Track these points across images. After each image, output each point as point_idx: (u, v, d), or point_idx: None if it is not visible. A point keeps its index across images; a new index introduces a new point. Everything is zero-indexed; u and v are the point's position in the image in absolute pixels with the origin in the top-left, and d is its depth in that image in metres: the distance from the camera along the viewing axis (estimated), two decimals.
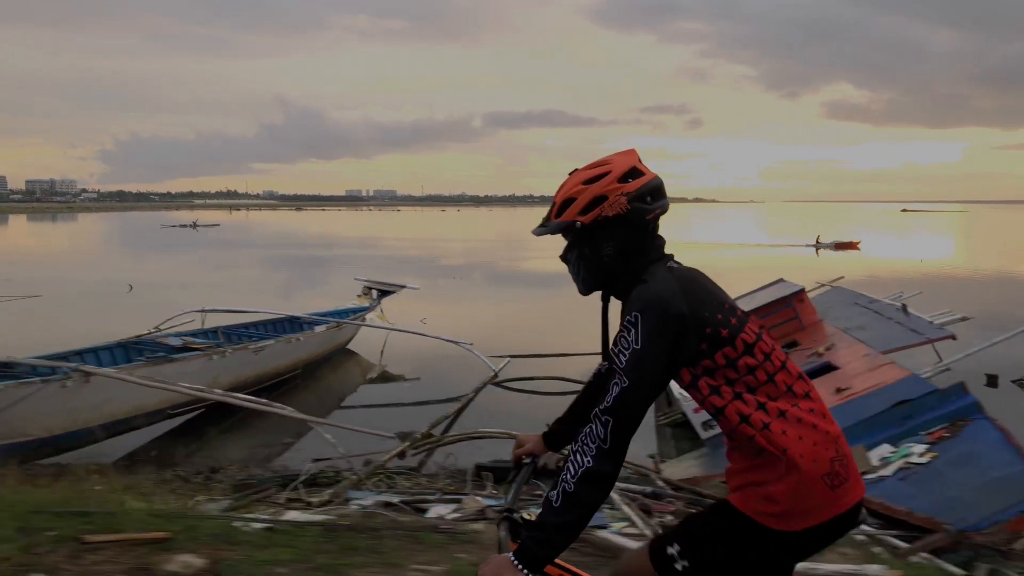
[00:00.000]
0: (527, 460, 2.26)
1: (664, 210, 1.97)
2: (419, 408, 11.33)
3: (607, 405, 1.78)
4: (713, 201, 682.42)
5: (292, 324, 14.07)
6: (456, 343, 13.58)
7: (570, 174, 2.00)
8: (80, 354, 9.94)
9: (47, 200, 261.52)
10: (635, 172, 1.94)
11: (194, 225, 77.99)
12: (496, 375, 12.77)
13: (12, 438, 7.51)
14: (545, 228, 2.00)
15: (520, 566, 1.76)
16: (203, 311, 14.31)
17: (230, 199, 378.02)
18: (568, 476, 1.78)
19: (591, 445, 1.78)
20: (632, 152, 1.99)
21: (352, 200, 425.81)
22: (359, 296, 16.60)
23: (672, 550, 1.93)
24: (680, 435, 9.66)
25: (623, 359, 1.79)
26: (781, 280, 13.58)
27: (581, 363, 12.44)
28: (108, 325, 18.72)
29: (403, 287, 16.61)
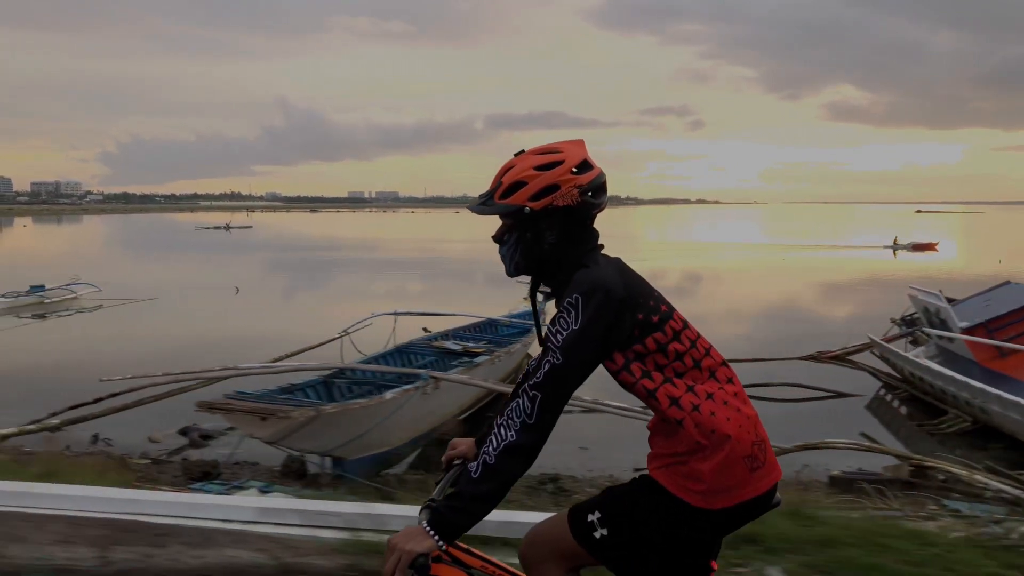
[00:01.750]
0: (457, 462, 2.21)
1: (605, 206, 1.99)
2: None
3: (536, 380, 1.80)
4: (716, 202, 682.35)
5: (491, 327, 13.92)
6: None
7: (516, 155, 1.98)
8: (376, 360, 9.82)
9: (53, 202, 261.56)
10: (587, 165, 1.95)
11: (227, 227, 77.86)
12: None
13: (379, 448, 7.36)
14: (489, 208, 1.97)
15: (432, 532, 1.74)
16: (395, 314, 14.16)
17: (235, 201, 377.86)
18: (490, 448, 1.79)
19: (516, 419, 1.79)
20: (582, 143, 2.00)
21: (355, 202, 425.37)
22: (525, 299, 16.47)
23: (592, 517, 1.94)
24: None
25: (559, 338, 1.81)
26: (1008, 283, 12.98)
27: None
28: (267, 328, 18.70)
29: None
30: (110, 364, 12.07)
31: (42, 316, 21.55)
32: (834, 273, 33.16)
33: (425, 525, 1.76)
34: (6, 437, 8.14)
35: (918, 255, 42.42)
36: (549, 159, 1.94)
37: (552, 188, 1.92)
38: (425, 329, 14.82)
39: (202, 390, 10.46)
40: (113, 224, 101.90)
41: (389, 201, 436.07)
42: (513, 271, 2.03)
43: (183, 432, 9.84)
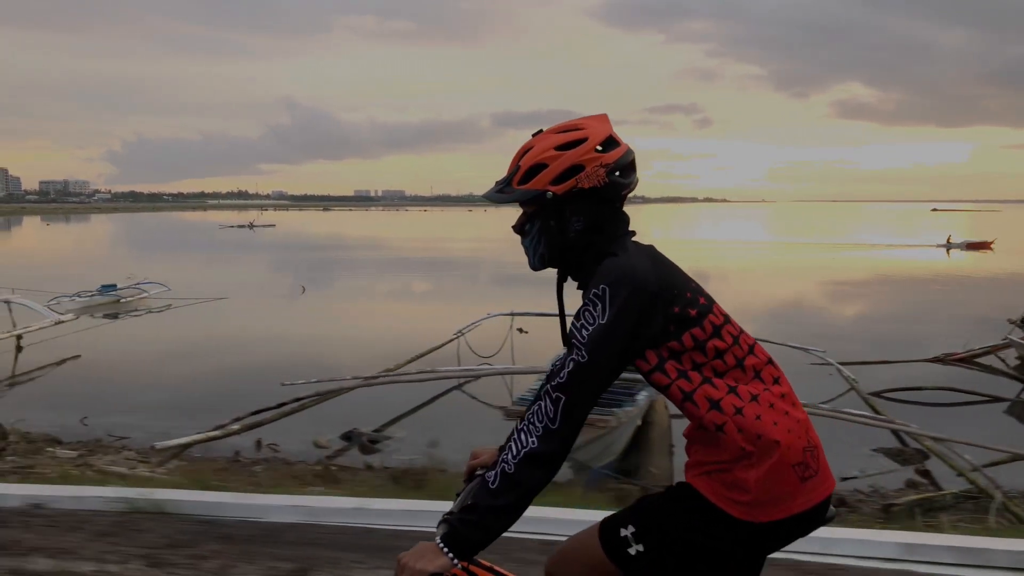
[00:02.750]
0: (480, 472, 1.98)
1: (636, 185, 1.80)
2: None
3: (560, 381, 1.62)
4: (723, 201, 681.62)
5: None
6: (806, 350, 13.01)
7: (535, 135, 1.79)
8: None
9: (63, 201, 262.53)
10: (612, 141, 1.76)
11: (251, 226, 77.80)
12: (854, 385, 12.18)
13: (610, 458, 7.08)
14: (507, 195, 1.76)
15: (446, 549, 1.58)
16: (512, 315, 13.86)
17: (242, 199, 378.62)
18: (509, 456, 1.61)
19: (538, 424, 1.62)
20: (606, 118, 1.81)
21: (361, 200, 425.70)
22: None
23: (626, 532, 1.74)
24: None
25: (584, 334, 1.62)
26: None
27: None
28: (366, 330, 18.40)
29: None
30: (264, 367, 11.81)
31: (114, 316, 21.27)
32: (901, 273, 32.74)
33: (438, 541, 1.59)
34: (190, 445, 7.80)
35: (973, 254, 41.87)
36: (571, 137, 1.74)
37: (576, 169, 1.72)
38: (521, 330, 14.50)
39: (339, 398, 10.18)
40: (131, 223, 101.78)
41: (395, 200, 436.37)
42: (538, 264, 1.83)
43: (346, 437, 9.52)
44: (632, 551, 1.72)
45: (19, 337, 15.77)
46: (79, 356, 16.05)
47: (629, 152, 1.78)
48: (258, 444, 9.15)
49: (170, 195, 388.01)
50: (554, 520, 3.74)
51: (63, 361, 15.74)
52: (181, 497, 4.39)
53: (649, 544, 1.72)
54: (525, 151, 1.77)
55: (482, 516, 1.59)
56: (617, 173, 1.74)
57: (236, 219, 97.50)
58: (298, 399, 8.83)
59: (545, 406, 1.62)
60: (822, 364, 12.87)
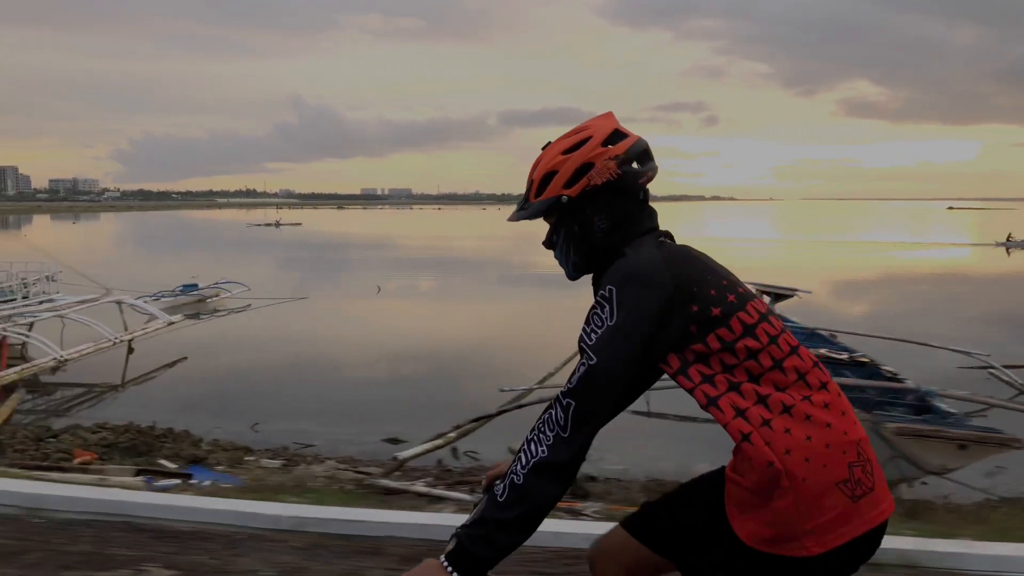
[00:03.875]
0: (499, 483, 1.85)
1: (655, 173, 1.72)
2: None
3: (570, 387, 1.54)
4: (731, 199, 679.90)
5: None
6: (968, 353, 12.64)
7: (544, 148, 1.75)
8: None
9: (73, 199, 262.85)
10: (618, 134, 1.70)
11: (277, 224, 77.83)
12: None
13: None
14: (525, 211, 1.73)
15: (450, 568, 1.47)
16: None
17: (250, 198, 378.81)
18: (518, 467, 1.51)
19: (548, 433, 1.53)
20: (611, 115, 1.77)
21: (368, 199, 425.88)
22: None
23: None
24: None
25: (593, 338, 1.55)
26: None
27: None
28: (472, 328, 18.04)
29: (795, 291, 15.68)
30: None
31: (195, 316, 20.98)
32: (976, 273, 32.26)
33: (443, 559, 1.47)
34: (426, 453, 7.50)
35: None
36: (576, 139, 1.70)
37: (585, 168, 1.67)
38: None
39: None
40: (152, 222, 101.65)
41: (403, 198, 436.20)
42: (573, 273, 1.77)
43: None
44: None
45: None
46: (185, 358, 15.80)
47: (640, 141, 1.71)
48: (454, 452, 8.87)
49: (179, 194, 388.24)
50: None
51: (174, 363, 15.49)
52: None
53: None
54: (536, 165, 1.74)
55: (489, 531, 1.48)
56: (630, 163, 1.68)
57: (262, 218, 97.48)
58: (520, 405, 8.51)
59: (556, 413, 1.53)
60: (975, 368, 12.51)
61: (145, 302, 18.09)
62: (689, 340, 1.57)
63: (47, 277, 19.32)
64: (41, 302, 16.36)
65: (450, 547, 1.50)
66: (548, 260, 1.78)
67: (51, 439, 8.31)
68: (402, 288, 27.84)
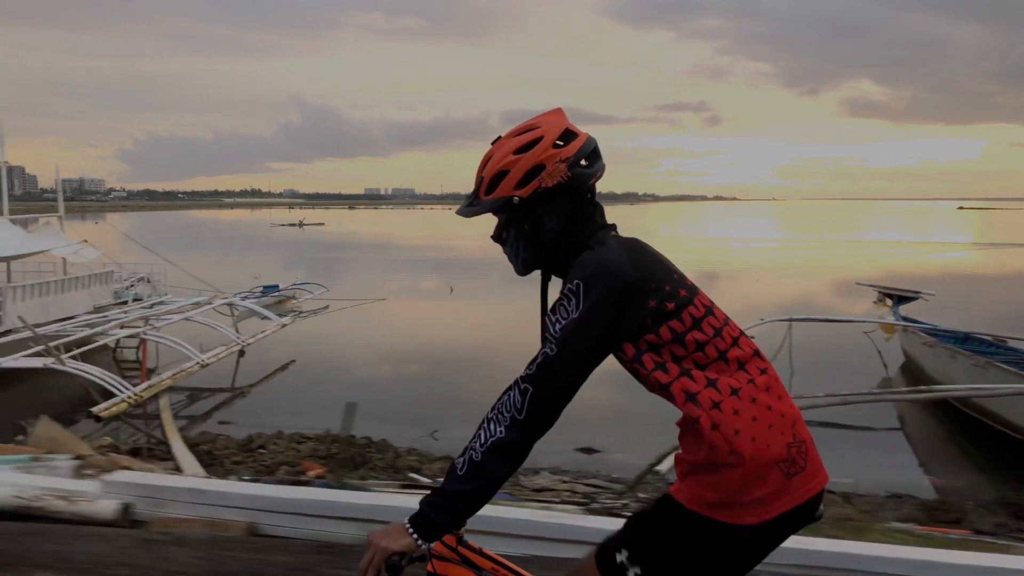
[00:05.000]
0: (459, 459, 1.98)
1: (603, 172, 1.80)
2: None
3: (528, 373, 1.64)
4: (733, 199, 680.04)
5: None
6: None
7: (493, 143, 1.80)
8: None
9: (80, 199, 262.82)
10: (569, 134, 1.76)
11: (301, 224, 77.78)
12: None
13: None
14: (475, 207, 1.78)
15: (412, 531, 1.65)
16: (790, 320, 13.25)
17: (254, 198, 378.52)
18: (477, 444, 1.65)
19: (506, 414, 1.64)
20: (560, 111, 1.82)
21: (372, 198, 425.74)
22: (875, 303, 15.49)
23: (621, 557, 1.73)
24: None
25: (557, 328, 1.63)
26: None
27: None
28: None
29: (920, 294, 15.38)
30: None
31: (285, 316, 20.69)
32: None
33: (406, 522, 1.66)
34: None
35: None
36: (527, 139, 1.75)
37: (536, 170, 1.73)
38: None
39: None
40: (165, 222, 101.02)
41: (406, 198, 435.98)
42: (523, 269, 1.85)
43: None
44: (631, 574, 1.70)
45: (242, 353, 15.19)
46: (294, 361, 15.53)
47: (589, 140, 1.76)
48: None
49: (184, 193, 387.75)
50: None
51: (286, 365, 15.22)
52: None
53: (645, 566, 1.69)
54: (486, 161, 1.78)
55: (448, 501, 1.64)
56: (580, 164, 1.73)
57: (286, 217, 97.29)
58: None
59: (513, 397, 1.63)
60: None
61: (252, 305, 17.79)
62: (644, 331, 1.67)
63: (145, 279, 19.03)
64: (152, 304, 16.05)
65: (414, 513, 1.66)
66: None
67: (260, 449, 8.02)
68: (471, 288, 27.56)
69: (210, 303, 15.62)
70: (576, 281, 1.64)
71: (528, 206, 1.75)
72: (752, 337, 1.75)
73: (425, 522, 1.64)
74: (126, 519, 4.17)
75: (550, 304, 1.78)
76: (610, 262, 1.66)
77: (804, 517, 1.69)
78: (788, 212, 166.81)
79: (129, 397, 9.67)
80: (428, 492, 1.71)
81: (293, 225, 76.87)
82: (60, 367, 9.60)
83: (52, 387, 11.49)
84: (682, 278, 1.75)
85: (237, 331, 15.21)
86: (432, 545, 1.69)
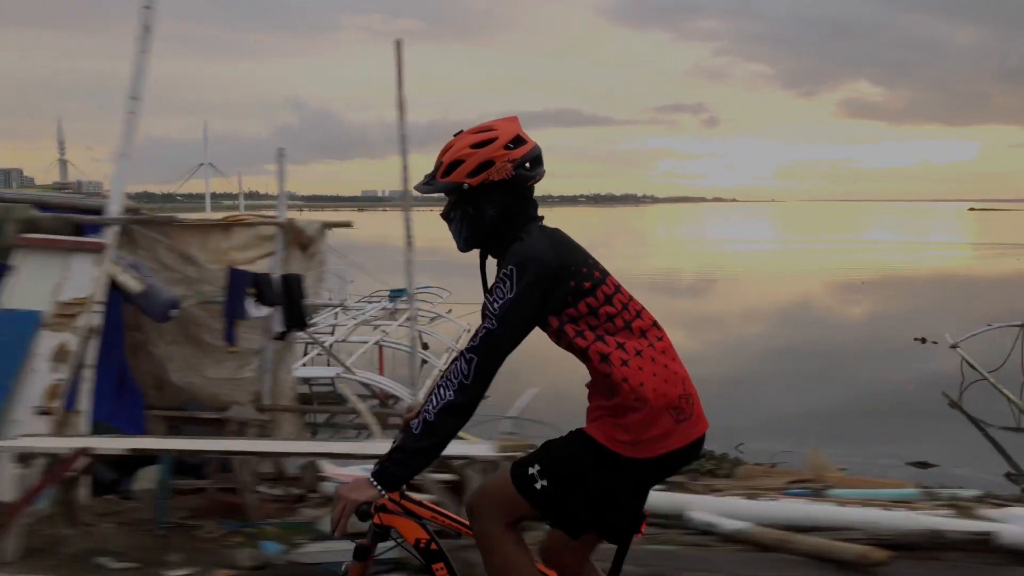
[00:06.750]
0: (415, 421, 2.21)
1: (542, 176, 2.16)
2: None
3: (473, 344, 2.01)
4: (732, 200, 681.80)
5: None
6: None
7: (455, 135, 2.14)
8: None
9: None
10: (519, 140, 2.12)
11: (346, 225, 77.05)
12: None
13: None
14: (431, 187, 2.13)
15: (375, 483, 2.00)
16: (1022, 326, 12.77)
17: (253, 200, 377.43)
18: (430, 407, 2.01)
19: (454, 380, 2.00)
20: (515, 119, 2.16)
21: (369, 200, 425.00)
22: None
23: (533, 470, 2.13)
24: None
25: (496, 306, 2.01)
26: None
27: None
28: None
29: None
30: None
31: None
32: None
33: (370, 477, 2.00)
34: None
35: None
36: (483, 137, 2.10)
37: (487, 164, 2.08)
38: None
39: None
40: None
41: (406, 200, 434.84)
42: (464, 246, 2.20)
43: None
44: (538, 486, 2.11)
45: (425, 346, 14.75)
46: None
47: (535, 148, 2.14)
48: None
49: (183, 195, 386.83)
50: None
51: None
52: None
53: (552, 480, 2.10)
54: (446, 149, 2.12)
55: (406, 456, 2.02)
56: (526, 166, 2.11)
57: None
58: None
59: (460, 365, 2.00)
60: None
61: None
62: (565, 306, 2.08)
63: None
64: (363, 311, 15.62)
65: (376, 467, 2.01)
66: None
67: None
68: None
69: (386, 307, 15.29)
70: (510, 267, 2.02)
71: (475, 194, 2.10)
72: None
73: (387, 475, 2.01)
74: None
75: (488, 280, 2.17)
76: (537, 251, 2.05)
77: (689, 456, 2.12)
78: (794, 214, 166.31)
79: None
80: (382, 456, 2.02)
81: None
82: (350, 376, 9.08)
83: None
84: (595, 263, 2.15)
85: (420, 338, 14.75)
86: (377, 500, 2.03)
